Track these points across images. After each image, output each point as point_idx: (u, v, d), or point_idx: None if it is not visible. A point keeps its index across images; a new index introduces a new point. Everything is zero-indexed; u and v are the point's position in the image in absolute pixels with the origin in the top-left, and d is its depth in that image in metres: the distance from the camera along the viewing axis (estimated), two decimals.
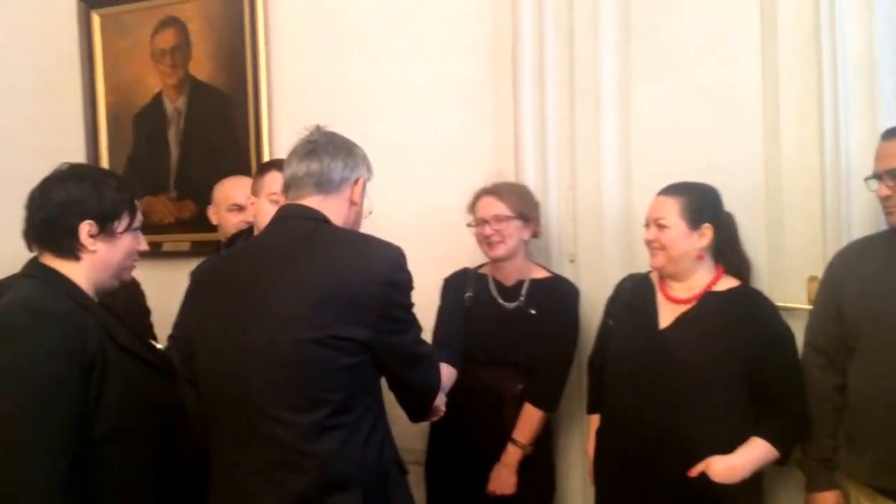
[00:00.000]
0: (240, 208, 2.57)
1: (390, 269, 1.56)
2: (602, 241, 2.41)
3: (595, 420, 2.19)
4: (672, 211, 2.00)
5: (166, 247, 3.10)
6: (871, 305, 1.83)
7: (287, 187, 1.69)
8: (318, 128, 1.74)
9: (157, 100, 3.11)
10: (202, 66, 3.03)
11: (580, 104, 2.42)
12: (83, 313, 1.55)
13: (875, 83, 2.09)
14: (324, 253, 1.57)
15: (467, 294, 2.34)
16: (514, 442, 2.23)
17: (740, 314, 1.97)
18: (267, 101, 2.91)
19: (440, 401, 1.86)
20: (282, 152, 2.77)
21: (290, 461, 1.49)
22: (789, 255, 2.19)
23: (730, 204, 2.22)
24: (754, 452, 1.91)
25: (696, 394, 1.93)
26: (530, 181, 2.47)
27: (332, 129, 2.70)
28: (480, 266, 2.42)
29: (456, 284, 2.38)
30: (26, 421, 1.44)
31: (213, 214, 2.72)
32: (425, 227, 2.63)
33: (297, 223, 1.63)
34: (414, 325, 1.64)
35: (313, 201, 1.65)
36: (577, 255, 2.45)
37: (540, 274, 2.34)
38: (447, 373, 2.11)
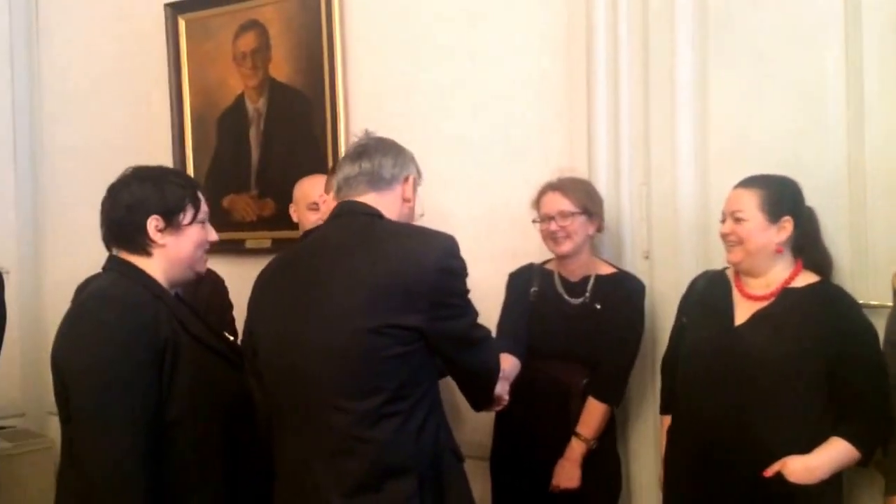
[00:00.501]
0: (318, 206, 2.66)
1: (442, 256, 1.61)
2: (677, 238, 2.38)
3: (668, 421, 2.18)
4: (750, 203, 1.97)
5: (248, 244, 3.23)
6: None
7: (339, 189, 1.76)
8: (367, 132, 1.83)
9: (239, 101, 3.24)
10: (281, 68, 3.13)
11: (655, 98, 2.40)
12: (156, 302, 1.65)
13: None
14: (378, 246, 1.62)
15: (533, 289, 2.37)
16: (578, 436, 2.25)
17: (819, 310, 1.92)
18: (343, 100, 2.99)
19: (503, 389, 1.89)
20: None
21: (347, 448, 1.55)
22: (873, 252, 2.12)
23: (811, 200, 2.16)
24: (833, 453, 1.87)
25: (772, 392, 1.90)
26: (603, 177, 2.47)
27: (407, 126, 2.83)
28: (546, 262, 2.45)
29: (521, 279, 2.42)
30: (108, 405, 1.55)
31: (293, 212, 2.83)
32: (497, 224, 2.67)
33: (353, 219, 1.70)
34: (469, 311, 1.67)
35: (367, 198, 1.72)
36: (652, 251, 2.43)
37: (606, 270, 2.36)
38: (511, 363, 2.14)
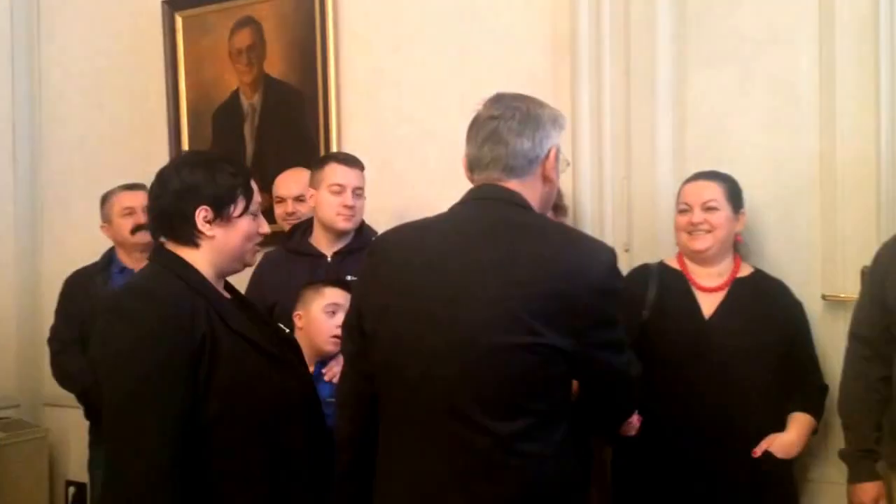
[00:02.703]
0: (281, 200, 2.89)
1: (606, 275, 1.47)
2: (657, 231, 2.51)
3: None
4: (720, 194, 2.17)
5: None
6: None
7: (470, 168, 1.60)
8: (498, 96, 1.60)
9: (234, 97, 3.37)
10: (276, 64, 3.26)
11: (636, 94, 2.53)
12: (194, 296, 1.58)
13: None
14: (536, 249, 1.46)
15: None
16: None
17: (770, 298, 2.17)
18: (336, 96, 3.12)
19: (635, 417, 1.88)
20: (350, 145, 3.03)
21: (486, 471, 1.43)
22: (843, 247, 2.26)
23: (785, 194, 2.33)
24: (802, 428, 2.12)
25: (747, 378, 2.11)
26: (586, 171, 2.60)
27: (397, 122, 2.96)
28: None
29: None
30: (136, 406, 1.50)
31: None
32: None
33: (500, 207, 1.53)
34: (622, 324, 1.53)
35: (508, 185, 1.55)
36: (632, 244, 2.57)
37: None
38: None
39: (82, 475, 3.03)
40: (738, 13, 2.41)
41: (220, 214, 1.64)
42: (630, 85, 2.54)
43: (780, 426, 2.13)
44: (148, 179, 3.21)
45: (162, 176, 1.68)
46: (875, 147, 2.21)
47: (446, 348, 1.44)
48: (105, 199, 2.91)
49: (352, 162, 2.58)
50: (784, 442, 2.09)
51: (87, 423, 2.91)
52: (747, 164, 2.37)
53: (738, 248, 2.27)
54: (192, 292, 1.59)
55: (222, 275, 1.70)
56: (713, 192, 2.17)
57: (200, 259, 1.65)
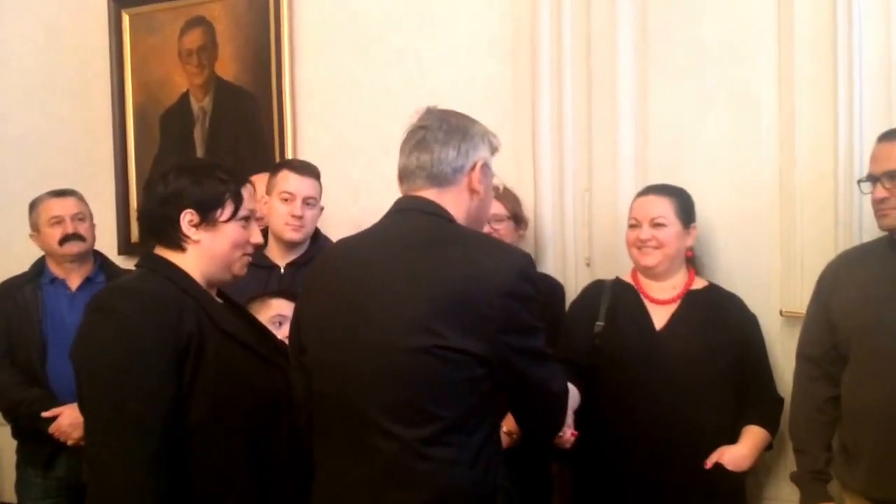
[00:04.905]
0: None
1: (514, 279, 1.54)
2: (618, 244, 2.59)
3: None
4: (668, 210, 2.27)
5: None
6: (862, 313, 2.01)
7: (399, 178, 1.71)
8: (428, 110, 1.74)
9: (184, 99, 3.43)
10: (228, 67, 3.33)
11: (597, 105, 2.63)
12: (182, 297, 1.66)
13: (891, 89, 2.27)
14: (446, 255, 1.57)
15: None
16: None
17: (723, 311, 2.29)
18: (290, 100, 3.19)
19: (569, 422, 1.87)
20: (305, 151, 3.11)
21: (395, 477, 1.51)
22: (801, 262, 2.37)
23: (745, 209, 2.45)
24: (755, 440, 2.23)
25: (699, 391, 2.20)
26: (547, 182, 2.71)
27: (353, 127, 3.04)
28: None
29: None
30: (118, 408, 1.56)
31: None
32: None
33: (417, 218, 1.64)
34: (541, 330, 1.60)
35: (429, 194, 1.65)
36: (594, 257, 2.67)
37: None
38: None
39: (13, 496, 3.03)
40: (698, 27, 2.53)
41: (206, 219, 1.73)
42: (591, 96, 2.65)
43: (734, 438, 2.24)
44: (90, 183, 3.31)
45: (150, 183, 1.79)
46: (833, 163, 2.33)
47: (354, 357, 1.56)
48: (33, 206, 2.87)
49: (304, 170, 2.64)
50: (735, 454, 2.19)
51: (15, 442, 2.91)
52: (708, 178, 2.50)
53: (691, 262, 2.39)
54: (180, 292, 1.67)
55: (211, 283, 1.78)
56: (662, 208, 2.28)
57: (188, 264, 1.74)
